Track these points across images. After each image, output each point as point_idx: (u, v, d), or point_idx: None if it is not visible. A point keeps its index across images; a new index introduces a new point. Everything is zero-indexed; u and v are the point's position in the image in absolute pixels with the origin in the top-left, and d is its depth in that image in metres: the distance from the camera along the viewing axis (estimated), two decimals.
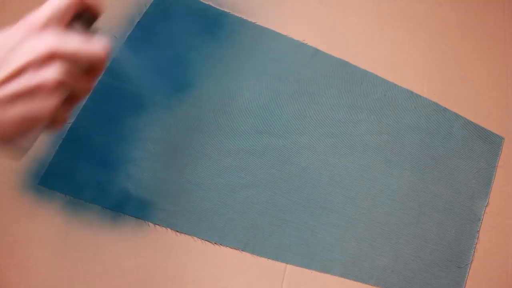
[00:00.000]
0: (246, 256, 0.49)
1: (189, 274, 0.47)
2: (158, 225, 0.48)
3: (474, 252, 0.54)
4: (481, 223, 0.55)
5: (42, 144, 0.49)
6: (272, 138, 0.53)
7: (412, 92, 0.59)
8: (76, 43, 0.26)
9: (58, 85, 0.26)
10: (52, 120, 0.27)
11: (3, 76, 0.24)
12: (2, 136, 0.25)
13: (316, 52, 0.58)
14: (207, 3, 0.58)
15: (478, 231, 0.55)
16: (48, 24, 0.26)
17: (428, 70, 0.61)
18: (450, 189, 0.56)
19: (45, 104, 0.25)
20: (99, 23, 0.31)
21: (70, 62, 0.26)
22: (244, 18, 0.58)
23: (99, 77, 0.30)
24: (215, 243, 0.49)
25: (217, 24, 0.57)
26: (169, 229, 0.48)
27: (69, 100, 0.28)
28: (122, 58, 0.53)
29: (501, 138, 0.59)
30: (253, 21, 0.58)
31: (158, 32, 0.55)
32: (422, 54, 0.62)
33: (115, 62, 0.53)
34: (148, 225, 0.48)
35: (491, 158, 0.58)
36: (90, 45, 0.27)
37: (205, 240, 0.49)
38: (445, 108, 0.59)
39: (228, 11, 0.58)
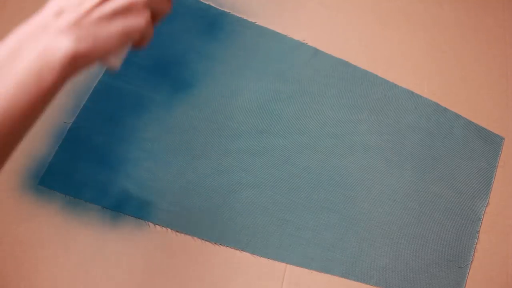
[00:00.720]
0: (246, 256, 0.49)
1: (189, 274, 0.47)
2: (158, 225, 0.48)
3: (474, 252, 0.54)
4: (481, 223, 0.55)
5: (42, 144, 0.49)
6: (272, 138, 0.53)
7: (412, 92, 0.59)
8: None
9: (147, 4, 0.29)
10: (141, 36, 0.31)
11: None
12: (107, 49, 0.28)
13: (316, 52, 0.58)
14: (207, 3, 0.58)
15: (478, 231, 0.55)
16: None
17: (428, 70, 0.61)
18: (451, 189, 0.56)
19: (138, 20, 0.29)
20: None
21: None
22: (244, 18, 0.58)
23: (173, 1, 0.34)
24: (215, 243, 0.49)
25: (217, 24, 0.57)
26: (169, 229, 0.48)
27: (153, 17, 0.31)
28: None
29: (501, 138, 0.59)
30: (253, 21, 0.58)
31: (158, 32, 0.55)
32: (422, 54, 0.62)
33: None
34: (148, 225, 0.48)
35: (492, 158, 0.58)
36: None
37: (205, 240, 0.49)
38: (445, 108, 0.59)
39: (228, 11, 0.58)
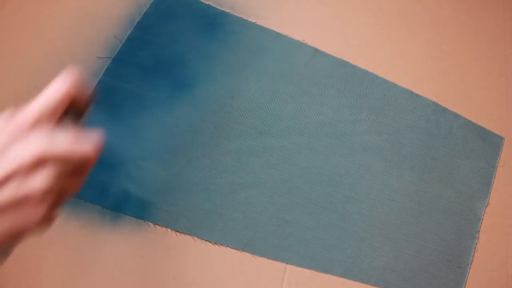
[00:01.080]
0: (246, 256, 0.49)
1: (189, 274, 0.47)
2: (158, 225, 0.48)
3: (474, 252, 0.54)
4: (481, 223, 0.55)
5: None
6: (272, 138, 0.53)
7: (412, 92, 0.59)
8: (66, 144, 0.25)
9: (47, 193, 0.24)
10: (39, 226, 0.26)
11: None
12: None
13: (316, 52, 0.58)
14: (207, 3, 0.58)
15: (478, 231, 0.55)
16: (37, 123, 0.24)
17: (428, 70, 0.61)
18: (450, 189, 0.56)
19: (33, 214, 0.24)
20: (88, 115, 0.30)
21: (60, 164, 0.24)
22: (244, 18, 0.58)
23: (87, 175, 0.28)
24: (215, 243, 0.49)
25: (217, 24, 0.57)
26: (169, 229, 0.48)
27: (57, 200, 0.26)
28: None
29: (501, 138, 0.59)
30: (253, 21, 0.58)
31: (158, 32, 0.55)
32: (422, 54, 0.62)
33: (115, 61, 0.53)
34: (148, 225, 0.48)
35: (491, 158, 0.58)
36: (81, 144, 0.26)
37: (205, 240, 0.49)
38: (445, 108, 0.59)
39: (228, 11, 0.58)
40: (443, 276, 0.52)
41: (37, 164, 0.23)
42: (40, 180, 0.23)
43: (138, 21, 0.55)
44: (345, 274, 0.50)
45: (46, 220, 0.26)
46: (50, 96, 0.25)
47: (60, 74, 0.26)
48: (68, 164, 0.25)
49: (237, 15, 0.58)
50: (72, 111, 0.28)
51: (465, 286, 0.52)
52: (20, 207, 0.23)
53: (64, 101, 0.26)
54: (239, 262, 0.49)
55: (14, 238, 0.24)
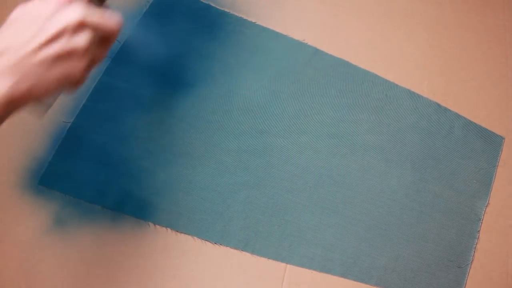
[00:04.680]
0: (246, 256, 0.49)
1: (189, 274, 0.47)
2: (158, 225, 0.48)
3: (474, 252, 0.54)
4: (482, 223, 0.55)
5: (42, 144, 0.49)
6: (272, 138, 0.53)
7: (412, 92, 0.59)
8: (99, 15, 0.30)
9: (87, 50, 0.30)
10: (77, 81, 0.31)
11: (44, 40, 0.28)
12: (44, 92, 0.28)
13: (316, 51, 0.58)
14: (207, 2, 0.58)
15: (479, 231, 0.55)
16: None
17: (428, 70, 0.61)
18: (451, 189, 0.56)
19: (78, 65, 0.29)
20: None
21: (94, 32, 0.30)
22: (244, 17, 0.58)
23: (111, 47, 0.34)
24: (215, 243, 0.49)
25: (217, 24, 0.57)
26: (169, 229, 0.48)
27: (89, 64, 0.31)
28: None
29: (502, 138, 0.59)
30: (253, 20, 0.58)
31: (158, 32, 0.55)
32: (423, 54, 0.62)
33: (115, 61, 0.53)
34: (148, 225, 0.48)
35: (492, 158, 0.58)
36: (109, 17, 0.31)
37: (205, 240, 0.49)
38: (445, 108, 0.59)
39: (228, 10, 0.58)
40: (443, 276, 0.52)
41: (79, 26, 0.29)
42: (82, 38, 0.29)
43: (138, 21, 0.55)
44: (345, 274, 0.50)
45: (82, 77, 0.31)
46: None
47: None
48: (100, 31, 0.30)
49: (237, 14, 0.58)
50: None
51: (465, 286, 0.52)
52: (69, 58, 0.29)
53: None
54: (239, 262, 0.49)
55: (64, 84, 0.29)
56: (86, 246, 0.46)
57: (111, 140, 0.50)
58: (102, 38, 0.32)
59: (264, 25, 0.58)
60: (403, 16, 0.64)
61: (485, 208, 0.56)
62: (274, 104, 0.55)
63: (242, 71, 0.56)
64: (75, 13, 0.29)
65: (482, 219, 0.55)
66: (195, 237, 0.49)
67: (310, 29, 0.59)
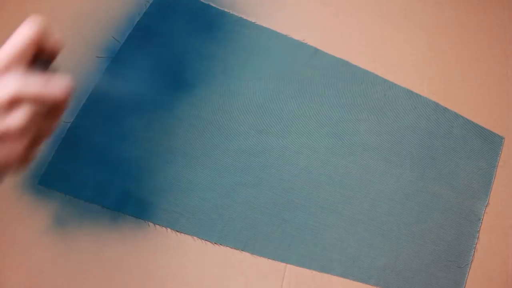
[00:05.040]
0: (246, 256, 0.49)
1: (189, 274, 0.47)
2: (158, 225, 0.48)
3: (474, 252, 0.54)
4: (481, 223, 0.55)
5: (41, 143, 0.49)
6: (272, 138, 0.53)
7: (412, 92, 0.59)
8: (38, 85, 0.26)
9: (24, 130, 0.25)
10: (17, 164, 0.27)
11: None
12: None
13: (316, 51, 0.58)
14: (207, 2, 0.58)
15: (478, 231, 0.55)
16: (9, 66, 0.26)
17: (428, 70, 0.61)
18: (450, 189, 0.56)
19: (12, 150, 0.25)
20: (58, 61, 0.31)
21: (33, 105, 0.26)
22: (244, 17, 0.58)
23: (61, 118, 0.30)
24: (215, 243, 0.49)
25: (217, 24, 0.57)
26: (169, 229, 0.48)
27: (34, 140, 0.27)
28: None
29: (501, 138, 0.59)
30: (253, 20, 0.58)
31: (158, 32, 0.55)
32: (422, 54, 0.62)
33: (115, 61, 0.53)
34: (148, 225, 0.48)
35: (491, 158, 0.58)
36: (52, 86, 0.26)
37: (205, 240, 0.49)
38: (445, 107, 0.59)
39: (228, 10, 0.58)
40: (443, 276, 0.52)
41: (13, 103, 0.24)
42: (17, 118, 0.25)
43: (138, 21, 0.55)
44: (345, 274, 0.50)
45: (24, 159, 0.27)
46: (17, 41, 0.26)
47: (23, 22, 0.27)
48: (42, 104, 0.26)
49: (237, 14, 0.58)
50: (40, 59, 0.29)
51: (465, 286, 0.52)
52: (1, 141, 0.24)
53: (30, 45, 0.27)
54: (239, 262, 0.49)
55: (1, 170, 0.25)
56: (86, 246, 0.46)
57: (111, 140, 0.50)
58: (49, 110, 0.27)
59: (264, 25, 0.58)
60: (403, 16, 0.63)
61: (485, 208, 0.56)
62: (274, 104, 0.55)
63: (242, 71, 0.56)
64: (8, 87, 0.24)
65: (482, 219, 0.55)
66: (195, 237, 0.49)
67: (310, 29, 0.59)
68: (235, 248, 0.49)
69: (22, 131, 0.25)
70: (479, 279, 0.53)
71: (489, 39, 0.65)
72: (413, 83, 0.59)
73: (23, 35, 0.26)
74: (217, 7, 0.58)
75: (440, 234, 0.54)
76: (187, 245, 0.48)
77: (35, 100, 0.26)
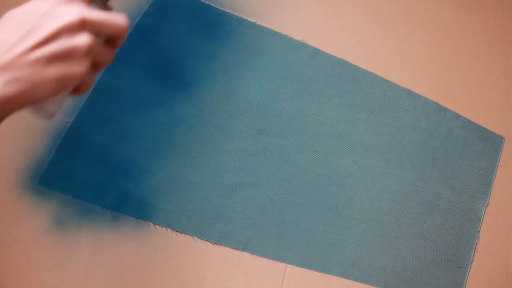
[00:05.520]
0: (246, 256, 0.49)
1: (189, 274, 0.47)
2: (158, 225, 0.48)
3: (474, 252, 0.54)
4: (481, 223, 0.55)
5: (41, 143, 0.49)
6: (272, 138, 0.53)
7: (412, 92, 0.59)
8: (101, 15, 0.29)
9: (88, 51, 0.28)
10: (80, 84, 0.30)
11: (40, 38, 0.26)
12: (40, 95, 0.27)
13: (316, 51, 0.58)
14: (207, 2, 0.58)
15: (478, 231, 0.55)
16: None
17: (428, 70, 0.61)
18: (450, 189, 0.56)
19: (78, 66, 0.28)
20: (113, 1, 0.34)
21: (96, 31, 0.28)
22: (244, 17, 0.58)
23: (117, 48, 0.32)
24: (215, 243, 0.49)
25: (217, 24, 0.57)
26: (169, 229, 0.48)
27: (94, 67, 0.30)
28: None
29: (501, 138, 0.59)
30: (253, 20, 0.58)
31: (158, 32, 0.55)
32: (422, 54, 0.62)
33: (115, 61, 0.53)
34: (148, 225, 0.48)
35: (492, 158, 0.58)
36: (113, 17, 0.29)
37: (205, 240, 0.49)
38: (445, 108, 0.59)
39: (228, 10, 0.58)
40: (443, 276, 0.52)
41: (79, 26, 0.27)
42: (82, 39, 0.27)
43: (138, 21, 0.55)
44: (345, 274, 0.50)
45: (85, 81, 0.30)
46: None
47: None
48: (103, 31, 0.29)
49: (237, 14, 0.58)
50: None
51: (465, 286, 0.52)
52: (67, 58, 0.27)
53: None
54: (239, 262, 0.49)
55: (62, 87, 0.28)
56: (86, 246, 0.46)
57: (111, 140, 0.50)
58: (107, 40, 0.31)
59: (264, 25, 0.58)
60: (403, 16, 0.63)
61: (485, 208, 0.56)
62: (274, 104, 0.55)
63: (242, 71, 0.56)
64: (74, 11, 0.27)
65: (482, 219, 0.55)
66: (195, 237, 0.49)
67: (310, 29, 0.59)
68: (235, 248, 0.49)
69: (85, 52, 0.27)
70: (479, 279, 0.53)
71: (489, 39, 0.65)
72: (413, 83, 0.59)
73: None
74: (217, 7, 0.58)
75: (440, 234, 0.54)
76: (187, 245, 0.48)
77: (98, 27, 0.28)
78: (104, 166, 0.49)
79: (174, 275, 0.47)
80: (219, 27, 0.57)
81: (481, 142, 0.58)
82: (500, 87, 0.62)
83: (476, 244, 0.54)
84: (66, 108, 0.51)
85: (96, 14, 0.28)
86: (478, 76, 0.62)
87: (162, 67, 0.54)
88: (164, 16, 0.56)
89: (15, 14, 0.27)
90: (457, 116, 0.59)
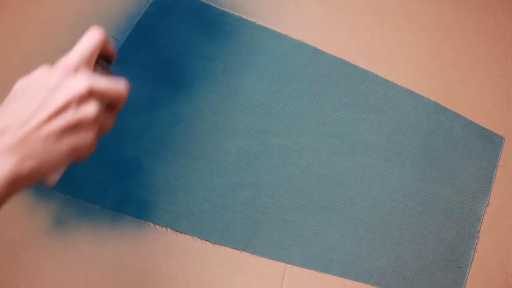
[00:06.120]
0: (246, 256, 0.49)
1: (189, 274, 0.47)
2: (158, 225, 0.48)
3: (474, 252, 0.54)
4: (482, 223, 0.55)
5: None
6: (272, 138, 0.53)
7: (412, 92, 0.59)
8: (106, 82, 0.29)
9: (96, 120, 0.28)
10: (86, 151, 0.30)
11: (51, 111, 0.26)
12: (51, 168, 0.27)
13: (316, 51, 0.58)
14: (207, 2, 0.58)
15: (479, 231, 0.55)
16: (79, 67, 0.29)
17: (428, 70, 0.61)
18: (451, 189, 0.56)
19: (88, 136, 0.28)
20: (113, 65, 0.35)
21: (102, 98, 0.29)
22: (244, 17, 0.58)
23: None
24: (215, 243, 0.49)
25: (217, 24, 0.57)
26: (169, 229, 0.48)
27: (98, 132, 0.31)
28: None
29: (502, 138, 0.59)
30: (253, 20, 0.58)
31: (158, 32, 0.55)
32: (422, 54, 0.62)
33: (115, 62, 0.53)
34: (148, 225, 0.48)
35: (492, 158, 0.58)
36: (116, 83, 0.30)
37: (205, 240, 0.49)
38: (445, 107, 0.59)
39: (228, 10, 0.58)
40: (443, 276, 0.52)
41: (87, 96, 0.28)
42: (91, 108, 0.28)
43: (138, 21, 0.55)
44: (345, 274, 0.50)
45: (91, 147, 0.30)
46: (87, 43, 0.30)
47: (89, 28, 0.31)
48: (107, 99, 0.30)
49: (237, 14, 0.58)
50: (100, 62, 0.33)
51: (465, 286, 0.52)
52: (77, 129, 0.27)
53: (97, 48, 0.31)
54: (239, 262, 0.49)
55: (73, 157, 0.28)
56: (86, 246, 0.46)
57: (111, 140, 0.50)
58: (109, 105, 0.31)
59: (264, 25, 0.58)
60: (403, 16, 0.64)
61: (485, 208, 0.56)
62: (274, 104, 0.55)
63: (242, 71, 0.56)
64: (82, 81, 0.28)
65: (482, 219, 0.55)
66: (195, 237, 0.49)
67: (310, 29, 0.59)
68: (235, 248, 0.49)
69: (93, 121, 0.28)
70: (479, 279, 0.53)
71: (489, 39, 0.65)
72: (414, 83, 0.59)
73: (92, 37, 0.30)
74: (217, 7, 0.58)
75: (440, 234, 0.54)
76: (187, 245, 0.48)
77: (103, 95, 0.29)
78: (104, 166, 0.49)
79: (174, 275, 0.47)
80: (219, 27, 0.57)
81: (481, 142, 0.58)
82: (500, 87, 0.62)
83: (476, 244, 0.54)
84: None
85: (102, 83, 0.29)
86: (478, 76, 0.62)
87: (162, 67, 0.54)
88: (164, 16, 0.56)
89: (25, 86, 0.28)
90: (457, 116, 0.59)
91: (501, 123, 0.60)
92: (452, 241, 0.54)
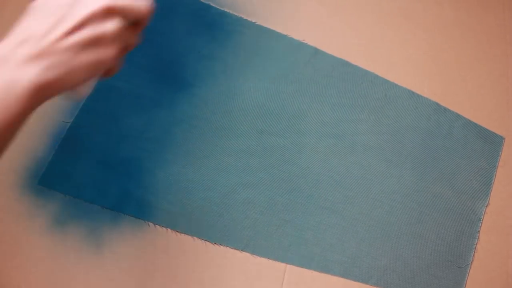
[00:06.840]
0: (246, 256, 0.49)
1: (189, 274, 0.47)
2: (158, 225, 0.48)
3: (474, 252, 0.54)
4: (482, 223, 0.55)
5: (41, 143, 0.49)
6: (272, 138, 0.53)
7: (412, 92, 0.59)
8: (127, 0, 0.29)
9: (117, 36, 0.29)
10: (109, 68, 0.31)
11: (71, 25, 0.27)
12: (76, 80, 0.28)
13: (316, 51, 0.58)
14: (207, 2, 0.58)
15: (479, 231, 0.55)
16: None
17: (428, 70, 0.61)
18: (451, 189, 0.56)
19: (109, 51, 0.29)
20: None
21: (122, 17, 0.29)
22: (244, 17, 0.58)
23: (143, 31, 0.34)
24: (215, 243, 0.49)
25: (217, 24, 0.57)
26: (169, 229, 0.48)
27: (122, 50, 0.31)
28: None
29: (502, 138, 0.59)
30: (253, 20, 0.58)
31: (158, 32, 0.55)
32: (422, 54, 0.62)
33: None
34: (148, 225, 0.48)
35: (492, 158, 0.58)
36: (136, 2, 0.30)
37: (205, 240, 0.49)
38: (445, 108, 0.59)
39: (228, 10, 0.58)
40: (443, 276, 0.52)
41: (107, 13, 0.28)
42: (111, 25, 0.28)
43: None
44: (345, 274, 0.50)
45: (115, 64, 0.31)
46: None
47: None
48: (129, 16, 0.30)
49: (237, 14, 0.58)
50: None
51: (465, 286, 0.52)
52: (97, 44, 0.28)
53: None
54: (239, 262, 0.49)
55: (95, 70, 0.29)
56: (86, 246, 0.46)
57: (111, 140, 0.50)
58: (133, 23, 0.31)
59: (264, 25, 0.58)
60: (403, 16, 0.63)
61: (485, 208, 0.56)
62: (274, 104, 0.55)
63: (242, 71, 0.56)
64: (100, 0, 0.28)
65: (482, 219, 0.55)
66: (195, 237, 0.49)
67: (310, 29, 0.59)
68: (235, 248, 0.49)
69: (114, 38, 0.29)
70: (479, 279, 0.53)
71: (489, 39, 0.65)
72: (414, 83, 0.59)
73: None
74: (217, 7, 0.58)
75: (440, 234, 0.54)
76: (187, 245, 0.48)
77: (124, 12, 0.29)
78: (104, 166, 0.49)
79: (174, 275, 0.47)
80: (219, 27, 0.57)
81: (481, 142, 0.58)
82: (500, 87, 0.62)
83: (476, 244, 0.54)
84: (65, 108, 0.51)
85: (120, 1, 0.29)
86: (478, 76, 0.62)
87: (162, 67, 0.54)
88: (164, 16, 0.56)
89: (42, 4, 0.28)
90: (457, 116, 0.59)
91: (501, 123, 0.60)
92: (452, 241, 0.54)
